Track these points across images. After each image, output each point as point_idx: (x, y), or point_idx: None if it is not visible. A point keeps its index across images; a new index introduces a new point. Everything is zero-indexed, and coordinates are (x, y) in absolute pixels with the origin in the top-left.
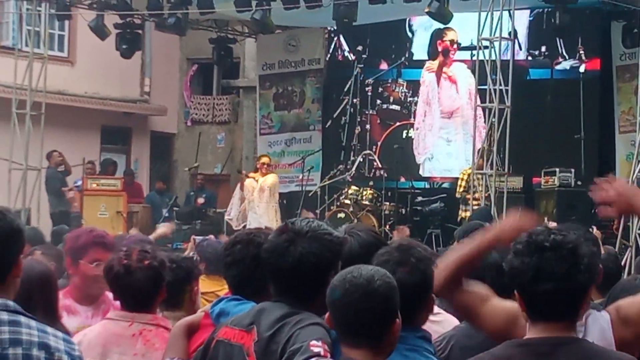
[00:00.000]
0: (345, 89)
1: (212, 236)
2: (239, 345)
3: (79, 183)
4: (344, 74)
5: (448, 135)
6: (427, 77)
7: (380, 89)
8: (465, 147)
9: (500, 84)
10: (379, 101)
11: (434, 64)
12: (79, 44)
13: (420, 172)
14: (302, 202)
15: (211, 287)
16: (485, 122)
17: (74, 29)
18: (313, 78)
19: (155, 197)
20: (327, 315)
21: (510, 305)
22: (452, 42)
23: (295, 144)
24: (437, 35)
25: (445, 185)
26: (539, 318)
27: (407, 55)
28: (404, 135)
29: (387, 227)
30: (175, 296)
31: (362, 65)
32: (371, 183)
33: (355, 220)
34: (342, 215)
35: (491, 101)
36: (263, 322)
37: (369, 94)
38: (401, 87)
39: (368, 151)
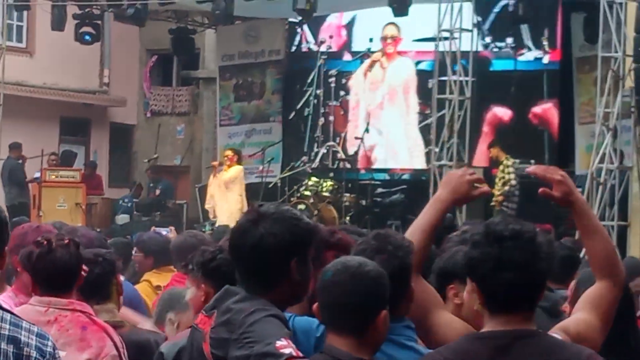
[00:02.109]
0: (309, 80)
1: (172, 228)
2: (201, 331)
3: (38, 175)
4: (307, 65)
5: (380, 126)
6: (359, 70)
7: (344, 80)
8: (402, 139)
9: (461, 76)
10: (342, 92)
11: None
12: (37, 34)
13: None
14: (262, 193)
15: (161, 281)
16: (446, 113)
17: (32, 20)
18: (273, 69)
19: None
20: (315, 305)
21: (463, 326)
22: (391, 37)
23: (255, 135)
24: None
25: (406, 176)
26: (498, 310)
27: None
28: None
29: (348, 218)
30: (104, 289)
31: (325, 57)
32: (331, 174)
33: (316, 212)
34: (302, 206)
35: (451, 92)
36: (221, 307)
37: (332, 85)
38: None
39: (332, 143)
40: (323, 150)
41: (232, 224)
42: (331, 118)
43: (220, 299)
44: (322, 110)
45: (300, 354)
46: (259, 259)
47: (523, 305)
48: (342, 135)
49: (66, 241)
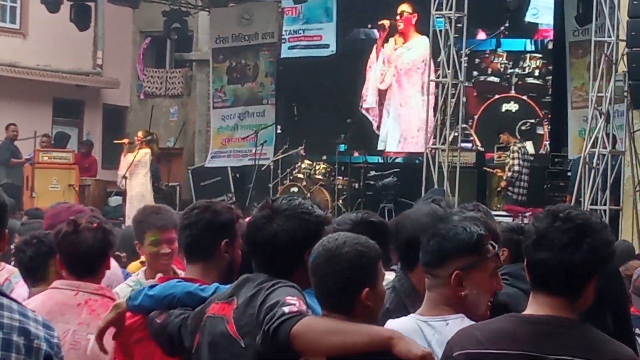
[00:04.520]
0: (438, 60)
1: None
2: (221, 316)
3: (29, 156)
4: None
5: (388, 107)
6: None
7: (478, 60)
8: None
9: (455, 59)
10: (475, 73)
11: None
12: (30, 15)
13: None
14: (254, 175)
15: None
16: (439, 97)
17: (25, 1)
18: (267, 52)
19: None
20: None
21: None
22: (401, 13)
23: (248, 117)
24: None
25: (399, 160)
26: (538, 287)
27: (507, 24)
28: (503, 109)
29: (340, 201)
30: (38, 270)
31: (456, 35)
32: (324, 157)
33: (308, 195)
34: (294, 189)
35: (444, 76)
36: (242, 291)
37: (465, 65)
38: (501, 58)
39: (464, 125)
40: (454, 133)
41: (138, 205)
42: (463, 99)
43: (239, 287)
44: (452, 91)
45: (304, 308)
46: (274, 253)
47: (562, 290)
48: (475, 117)
49: (94, 225)
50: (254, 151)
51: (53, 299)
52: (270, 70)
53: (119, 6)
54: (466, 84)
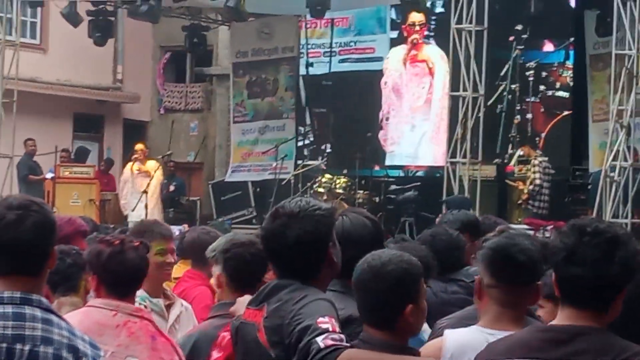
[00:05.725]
0: (502, 74)
1: (185, 225)
2: (252, 323)
3: (51, 174)
4: (501, 57)
5: (413, 120)
6: (392, 65)
7: (544, 74)
8: (432, 134)
9: (474, 72)
10: (542, 87)
11: (400, 51)
12: (51, 31)
13: (388, 159)
14: (275, 190)
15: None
16: (459, 110)
17: (46, 16)
18: (287, 66)
19: None
20: None
21: None
22: (418, 24)
23: (268, 132)
24: (401, 21)
25: (420, 173)
26: (567, 301)
27: (576, 36)
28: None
29: None
30: (73, 279)
31: (522, 47)
32: (345, 171)
33: None
34: None
35: (465, 89)
36: (272, 299)
37: (531, 79)
38: (570, 72)
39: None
40: (519, 152)
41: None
42: (529, 116)
43: (270, 293)
44: (517, 107)
45: (337, 330)
46: (302, 256)
47: (590, 303)
48: (542, 135)
49: (136, 243)
50: (274, 165)
51: (91, 318)
52: (290, 84)
53: (138, 21)
54: (532, 99)
